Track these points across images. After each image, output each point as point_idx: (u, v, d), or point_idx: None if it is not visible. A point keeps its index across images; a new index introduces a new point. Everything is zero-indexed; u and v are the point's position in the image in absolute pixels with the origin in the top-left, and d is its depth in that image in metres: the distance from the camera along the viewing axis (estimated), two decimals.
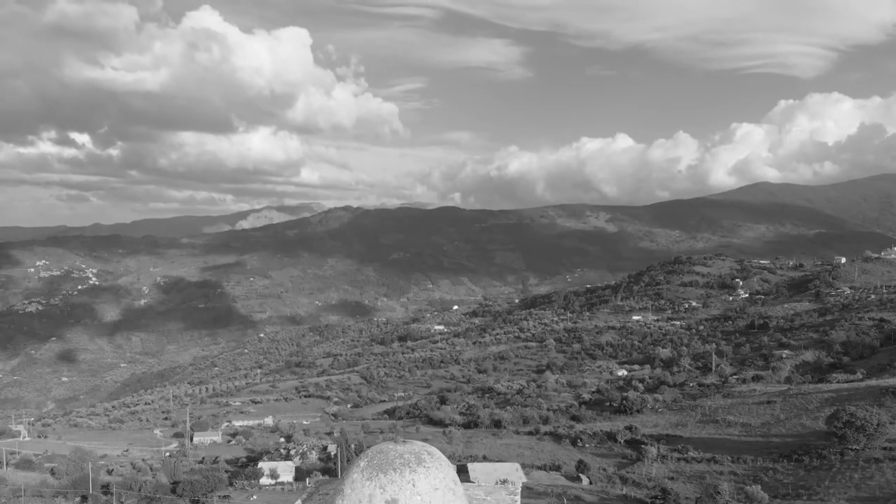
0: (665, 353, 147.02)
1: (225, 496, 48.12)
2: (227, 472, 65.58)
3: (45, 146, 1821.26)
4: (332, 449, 77.62)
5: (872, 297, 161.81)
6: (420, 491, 3.84)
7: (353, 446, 65.13)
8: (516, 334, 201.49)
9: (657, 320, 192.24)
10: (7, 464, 74.04)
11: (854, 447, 54.32)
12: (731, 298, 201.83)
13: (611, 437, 73.89)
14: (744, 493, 44.07)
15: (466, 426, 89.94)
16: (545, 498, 47.67)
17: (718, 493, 40.05)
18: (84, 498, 48.32)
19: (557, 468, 61.89)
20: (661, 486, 46.29)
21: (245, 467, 67.46)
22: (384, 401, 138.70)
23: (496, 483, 31.87)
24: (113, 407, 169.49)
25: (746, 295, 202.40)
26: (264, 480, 61.06)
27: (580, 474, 58.54)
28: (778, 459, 58.08)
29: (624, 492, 50.90)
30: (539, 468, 62.04)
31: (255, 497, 49.75)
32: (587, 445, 72.44)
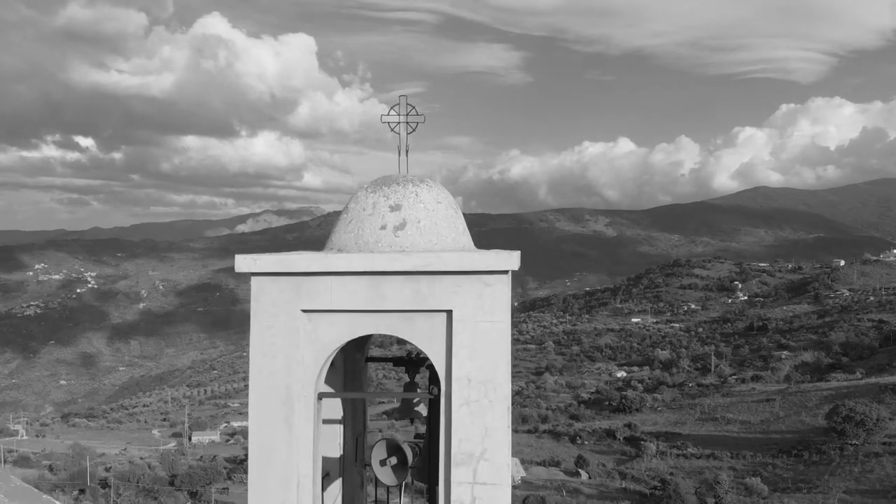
0: (664, 354, 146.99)
1: (223, 488, 48.03)
2: (225, 468, 65.37)
3: (48, 150, 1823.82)
4: None
5: (871, 298, 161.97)
6: (423, 200, 3.91)
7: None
8: (515, 336, 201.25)
9: (656, 322, 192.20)
10: (5, 461, 73.85)
11: (853, 442, 54.33)
12: (729, 301, 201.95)
13: (610, 434, 73.93)
14: (744, 485, 44.03)
15: None
16: (544, 491, 47.64)
17: (718, 483, 40.01)
18: (82, 491, 48.21)
19: (556, 464, 61.83)
20: (661, 478, 46.25)
21: (243, 463, 67.34)
22: (383, 402, 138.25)
23: None
24: (111, 409, 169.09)
25: (745, 297, 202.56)
26: None
27: (579, 469, 58.47)
28: (777, 455, 58.10)
29: (623, 485, 50.85)
30: (538, 464, 61.97)
31: None
32: (586, 442, 72.37)
